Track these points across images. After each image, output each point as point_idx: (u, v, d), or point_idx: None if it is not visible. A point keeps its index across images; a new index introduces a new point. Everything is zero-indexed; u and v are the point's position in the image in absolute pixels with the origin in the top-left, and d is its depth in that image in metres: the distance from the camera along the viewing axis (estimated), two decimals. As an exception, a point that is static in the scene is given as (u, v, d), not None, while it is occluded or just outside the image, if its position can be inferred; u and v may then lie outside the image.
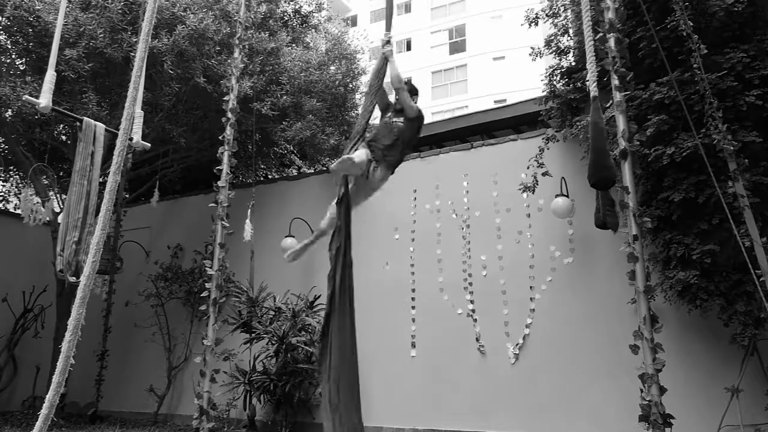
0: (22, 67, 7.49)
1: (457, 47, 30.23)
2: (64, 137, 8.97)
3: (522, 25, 6.83)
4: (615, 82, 4.20)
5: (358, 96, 9.36)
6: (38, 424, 2.13)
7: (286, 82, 8.11)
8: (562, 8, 6.41)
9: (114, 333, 8.37)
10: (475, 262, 6.77)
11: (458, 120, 9.23)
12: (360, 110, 3.84)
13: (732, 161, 4.44)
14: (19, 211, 9.92)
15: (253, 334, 6.89)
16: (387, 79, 3.92)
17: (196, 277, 8.38)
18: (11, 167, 9.56)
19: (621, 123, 4.14)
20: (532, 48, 6.60)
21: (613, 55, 4.24)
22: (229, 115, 5.86)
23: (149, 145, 6.42)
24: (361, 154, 3.47)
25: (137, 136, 6.10)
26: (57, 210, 8.17)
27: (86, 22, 6.85)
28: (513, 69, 26.66)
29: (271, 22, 8.54)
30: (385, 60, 3.90)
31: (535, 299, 6.35)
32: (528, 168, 6.27)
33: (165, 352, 8.43)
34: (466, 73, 29.30)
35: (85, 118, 6.20)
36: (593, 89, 3.97)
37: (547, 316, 6.25)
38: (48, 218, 7.47)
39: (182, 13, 7.19)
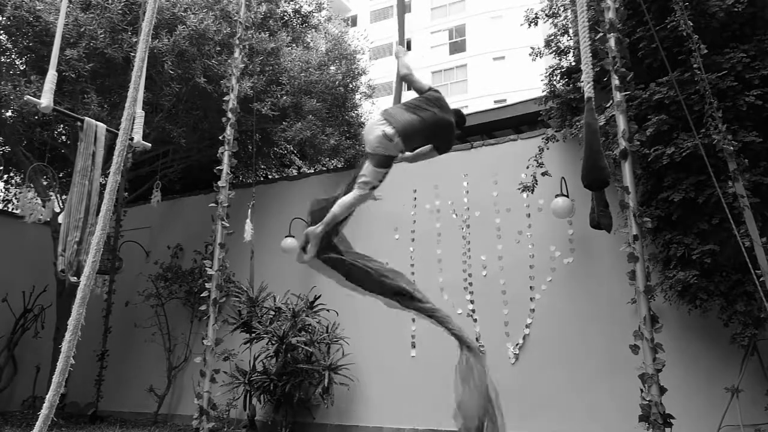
0: (22, 67, 7.49)
1: (457, 47, 30.22)
2: (64, 137, 8.97)
3: (522, 25, 6.83)
4: (615, 82, 4.20)
5: (358, 96, 9.36)
6: (38, 424, 2.13)
7: (287, 83, 8.11)
8: (561, 8, 6.41)
9: (114, 333, 8.37)
10: (475, 262, 6.77)
11: (458, 120, 9.21)
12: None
13: (732, 161, 4.44)
14: (19, 211, 9.95)
15: (253, 334, 6.89)
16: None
17: (196, 277, 8.38)
18: (11, 167, 9.57)
19: (621, 123, 4.14)
20: (532, 48, 6.60)
21: (613, 55, 4.24)
22: (229, 115, 5.86)
23: (150, 145, 6.42)
24: (386, 129, 3.31)
25: (138, 136, 6.10)
26: (57, 210, 8.17)
27: (87, 22, 6.85)
28: (513, 69, 26.66)
29: (271, 22, 8.55)
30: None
31: (535, 299, 6.35)
32: (528, 168, 6.27)
33: (165, 352, 8.43)
34: (466, 73, 29.30)
35: (87, 118, 6.20)
36: (587, 90, 3.97)
37: (547, 316, 6.25)
38: (48, 217, 7.47)
39: (183, 14, 7.19)
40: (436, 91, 3.54)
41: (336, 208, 3.39)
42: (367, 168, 3.37)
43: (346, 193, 3.45)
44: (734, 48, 4.92)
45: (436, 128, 3.37)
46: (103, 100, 7.27)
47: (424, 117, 3.31)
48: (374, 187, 3.39)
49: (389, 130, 3.22)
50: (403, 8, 4.22)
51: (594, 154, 3.86)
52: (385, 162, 3.35)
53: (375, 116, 3.43)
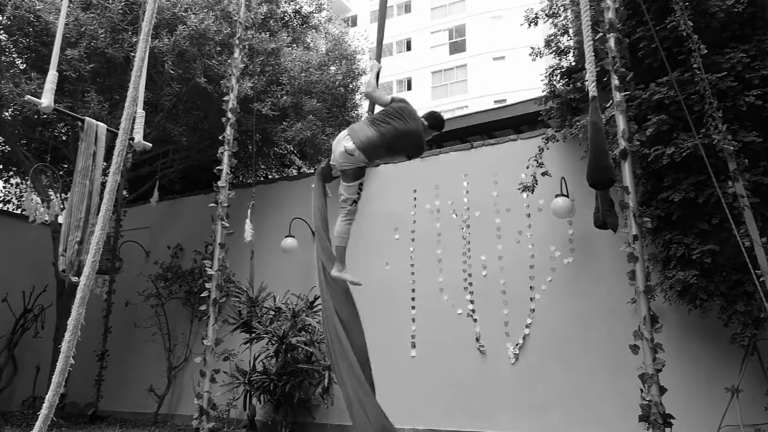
0: (22, 66, 7.50)
1: (457, 47, 30.23)
2: (64, 137, 8.98)
3: (522, 25, 6.83)
4: (615, 82, 4.20)
5: (358, 96, 9.37)
6: (38, 424, 2.13)
7: (287, 83, 8.12)
8: (561, 8, 6.41)
9: (114, 333, 8.37)
10: (475, 262, 6.77)
11: (458, 120, 9.23)
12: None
13: (732, 161, 4.44)
14: (19, 211, 9.95)
15: (253, 334, 6.89)
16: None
17: (196, 277, 8.38)
18: (11, 167, 9.57)
19: (621, 123, 4.15)
20: (532, 48, 6.60)
21: (613, 55, 4.25)
22: (229, 115, 5.87)
23: (150, 145, 6.42)
24: (348, 145, 3.43)
25: (139, 136, 6.10)
26: (57, 210, 8.16)
27: (87, 22, 6.86)
28: (513, 69, 26.66)
29: (271, 22, 8.56)
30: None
31: (535, 299, 6.35)
32: (528, 168, 6.27)
33: (165, 352, 8.43)
34: (466, 73, 29.30)
35: (87, 118, 6.20)
36: (592, 89, 3.98)
37: (547, 316, 6.25)
38: (52, 217, 7.47)
39: (183, 14, 7.20)
40: (401, 100, 3.62)
41: (336, 241, 3.63)
42: (342, 187, 3.58)
43: (316, 204, 3.62)
44: (734, 48, 4.92)
45: (397, 140, 3.48)
46: (104, 99, 7.28)
47: (383, 132, 3.42)
48: (355, 201, 3.61)
49: (349, 145, 3.39)
50: (384, 19, 4.23)
51: (599, 153, 3.86)
52: (356, 174, 3.53)
53: (341, 132, 3.57)
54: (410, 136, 3.52)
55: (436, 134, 3.88)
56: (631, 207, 3.99)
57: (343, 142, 3.43)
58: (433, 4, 31.65)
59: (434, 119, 3.73)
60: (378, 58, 4.04)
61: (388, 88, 30.01)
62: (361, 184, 3.59)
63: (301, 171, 10.13)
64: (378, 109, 3.81)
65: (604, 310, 5.94)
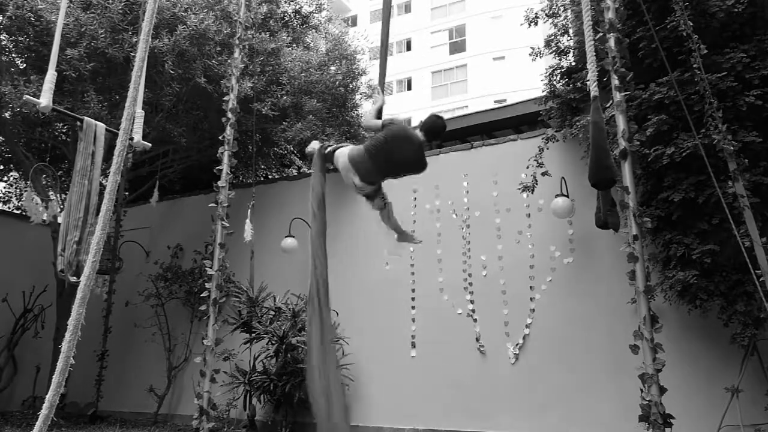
0: (22, 66, 7.50)
1: (457, 47, 30.22)
2: (63, 137, 8.99)
3: (522, 25, 6.83)
4: (615, 82, 4.20)
5: (358, 96, 9.37)
6: (38, 424, 2.13)
7: (287, 83, 8.12)
8: (561, 8, 6.41)
9: (114, 333, 8.37)
10: (475, 262, 6.77)
11: (458, 120, 9.23)
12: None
13: (732, 161, 4.44)
14: (18, 211, 9.95)
15: (253, 334, 6.89)
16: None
17: (196, 277, 8.38)
18: (11, 167, 9.57)
19: (621, 123, 4.15)
20: (532, 48, 6.60)
21: (613, 55, 4.25)
22: (229, 115, 5.86)
23: (150, 144, 6.42)
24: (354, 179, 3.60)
25: (138, 136, 6.10)
26: (56, 210, 8.16)
27: (87, 22, 6.87)
28: (513, 69, 26.65)
29: (271, 22, 8.56)
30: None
31: (535, 299, 6.35)
32: (528, 168, 6.27)
33: (165, 352, 8.43)
34: (466, 73, 29.29)
35: (86, 118, 6.20)
36: (594, 89, 3.98)
37: (547, 316, 6.25)
38: (51, 217, 7.47)
39: (183, 14, 7.20)
40: (391, 122, 3.56)
41: (390, 227, 3.91)
42: (366, 202, 3.84)
43: (314, 184, 3.79)
44: (734, 48, 4.92)
45: (396, 168, 3.60)
46: (104, 99, 7.28)
47: (380, 164, 3.52)
48: (385, 204, 3.77)
49: (358, 183, 3.59)
50: (387, 44, 4.20)
51: (601, 152, 3.87)
52: (373, 194, 3.72)
53: (341, 152, 3.63)
54: (409, 163, 3.57)
55: (437, 141, 3.93)
56: (631, 207, 3.99)
57: (350, 175, 3.58)
58: (433, 4, 31.65)
59: (432, 131, 3.58)
60: (382, 89, 4.03)
61: (388, 88, 29.99)
62: (383, 196, 3.74)
63: (301, 171, 10.12)
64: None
65: (604, 310, 5.94)
